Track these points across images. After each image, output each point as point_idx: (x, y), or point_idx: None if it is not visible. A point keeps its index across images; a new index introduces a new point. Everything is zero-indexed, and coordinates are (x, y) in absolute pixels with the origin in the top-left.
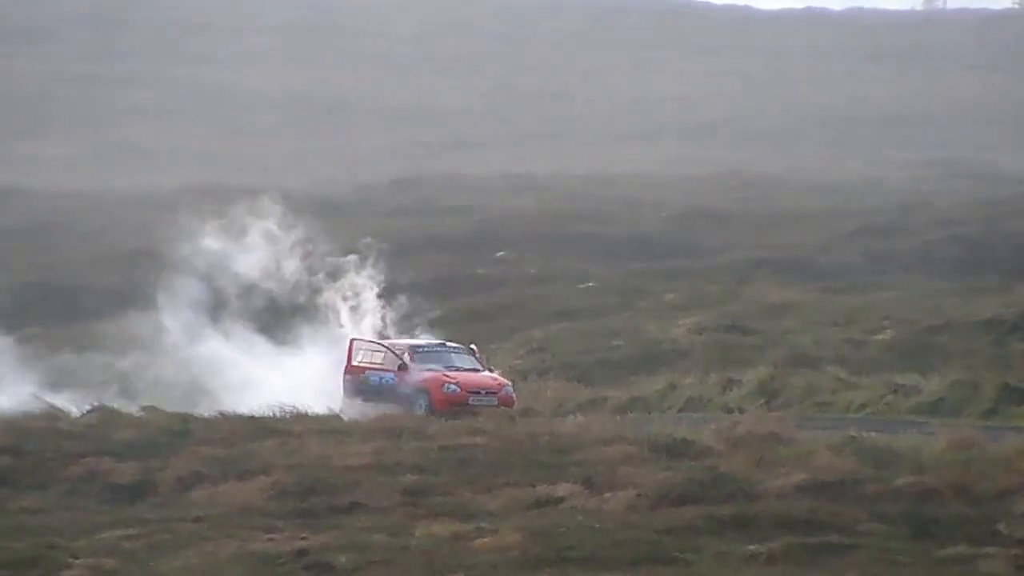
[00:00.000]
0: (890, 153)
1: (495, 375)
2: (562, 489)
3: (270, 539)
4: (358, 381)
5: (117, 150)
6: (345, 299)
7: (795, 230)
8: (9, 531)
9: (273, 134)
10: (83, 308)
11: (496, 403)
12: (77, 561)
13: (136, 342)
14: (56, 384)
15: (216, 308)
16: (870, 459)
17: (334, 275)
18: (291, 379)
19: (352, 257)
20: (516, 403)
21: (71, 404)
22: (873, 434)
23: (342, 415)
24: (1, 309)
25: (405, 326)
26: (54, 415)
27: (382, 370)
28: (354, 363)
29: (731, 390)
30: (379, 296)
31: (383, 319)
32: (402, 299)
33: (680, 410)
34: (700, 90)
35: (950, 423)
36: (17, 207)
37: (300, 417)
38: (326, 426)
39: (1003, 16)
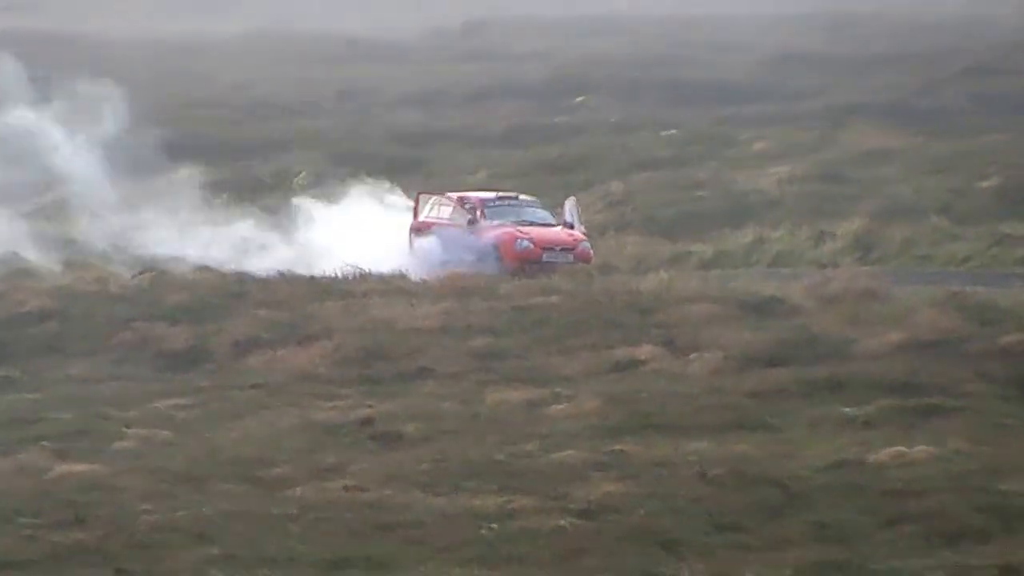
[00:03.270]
0: None
1: (571, 231)
2: (643, 351)
3: (333, 407)
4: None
5: None
6: None
7: (893, 72)
8: (58, 401)
9: None
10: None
11: (572, 260)
12: (129, 431)
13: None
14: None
15: None
16: (974, 316)
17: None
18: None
19: None
20: (593, 259)
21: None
22: (977, 289)
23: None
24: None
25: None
26: (103, 277)
27: (451, 225)
28: (421, 218)
29: (824, 243)
30: None
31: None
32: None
33: (769, 266)
34: None
35: None
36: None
37: (364, 277)
38: (391, 286)
39: None
